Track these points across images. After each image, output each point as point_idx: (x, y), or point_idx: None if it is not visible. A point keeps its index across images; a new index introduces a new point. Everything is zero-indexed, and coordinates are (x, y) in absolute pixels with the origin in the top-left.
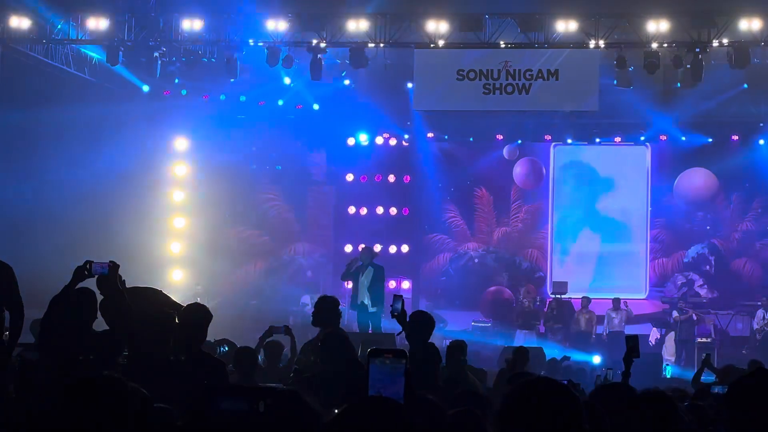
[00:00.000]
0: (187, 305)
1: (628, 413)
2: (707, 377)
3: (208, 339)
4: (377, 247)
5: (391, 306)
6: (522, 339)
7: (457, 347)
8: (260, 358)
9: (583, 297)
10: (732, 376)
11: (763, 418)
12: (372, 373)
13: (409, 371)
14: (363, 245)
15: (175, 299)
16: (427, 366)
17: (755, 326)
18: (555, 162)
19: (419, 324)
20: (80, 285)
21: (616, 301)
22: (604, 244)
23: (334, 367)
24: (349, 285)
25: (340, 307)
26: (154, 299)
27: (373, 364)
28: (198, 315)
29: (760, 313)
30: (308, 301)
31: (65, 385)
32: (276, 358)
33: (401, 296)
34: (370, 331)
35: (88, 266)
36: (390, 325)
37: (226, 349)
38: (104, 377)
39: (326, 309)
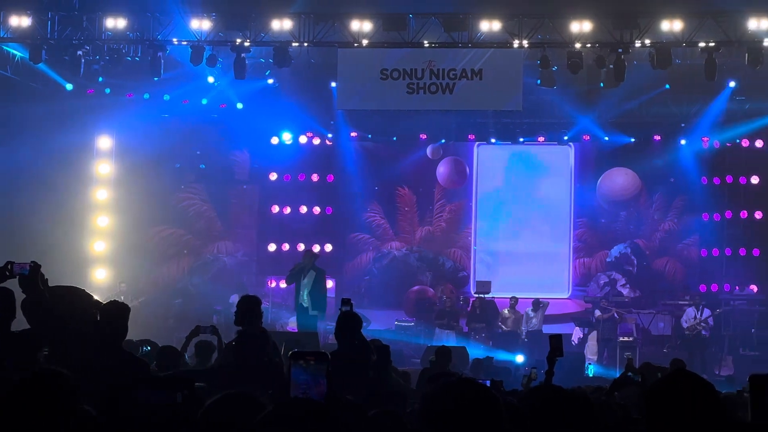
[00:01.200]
0: (106, 303)
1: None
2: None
3: (130, 338)
4: (300, 247)
5: (340, 309)
6: (443, 338)
7: (379, 347)
8: (187, 357)
9: (511, 297)
10: (649, 373)
11: (679, 420)
12: (294, 375)
13: (331, 373)
14: (304, 248)
15: (98, 298)
16: (356, 366)
17: (685, 324)
18: (478, 161)
19: (346, 324)
20: (1, 285)
21: (536, 302)
22: (528, 243)
23: (248, 366)
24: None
25: (262, 306)
26: (76, 298)
27: (295, 366)
28: (117, 313)
29: (690, 311)
30: (236, 301)
31: (14, 383)
32: (206, 357)
33: (349, 299)
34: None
35: (9, 267)
36: (332, 328)
37: (149, 348)
38: (52, 372)
39: (248, 309)
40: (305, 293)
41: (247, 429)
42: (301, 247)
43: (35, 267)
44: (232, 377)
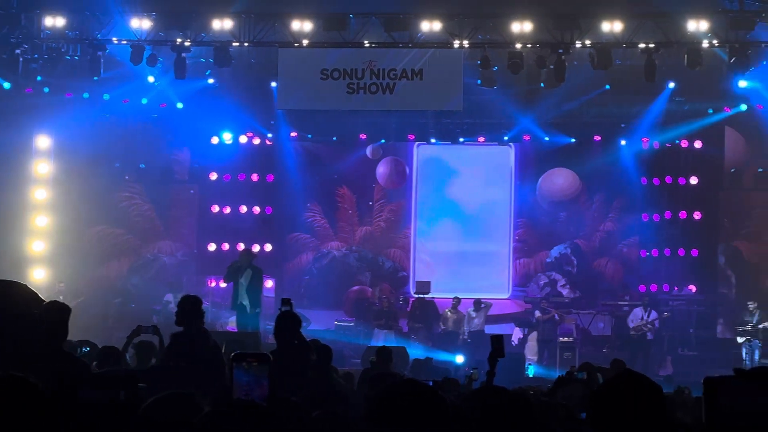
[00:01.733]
0: (47, 303)
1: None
2: None
3: (69, 339)
4: (240, 247)
5: (280, 309)
6: (382, 338)
7: (319, 348)
8: (128, 357)
9: (454, 297)
10: (590, 373)
11: (625, 422)
12: (236, 376)
13: (273, 374)
14: (243, 247)
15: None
16: (295, 366)
17: (631, 324)
18: (418, 161)
19: (285, 324)
20: None
21: (477, 302)
22: (468, 244)
23: (188, 366)
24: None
25: (203, 306)
26: (17, 295)
27: (237, 368)
28: (57, 313)
29: (638, 311)
30: (171, 300)
31: None
32: (147, 357)
33: (289, 299)
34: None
35: None
36: (271, 328)
37: (88, 349)
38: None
39: (189, 308)
40: (243, 292)
41: (188, 430)
42: (241, 246)
43: None
44: (172, 377)
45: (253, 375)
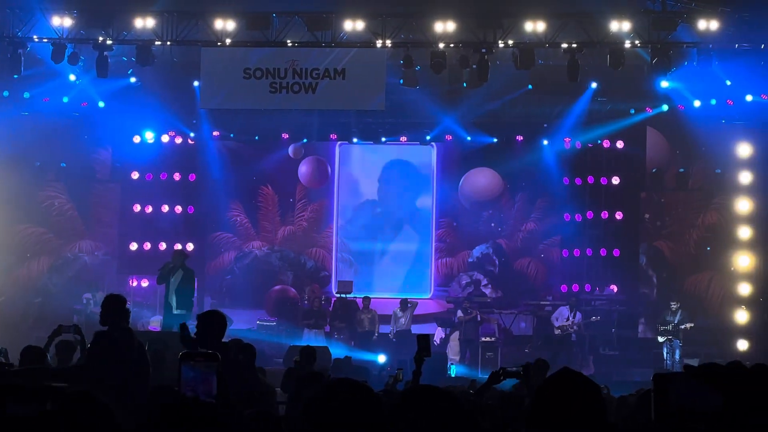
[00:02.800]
0: None
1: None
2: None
3: None
4: (162, 246)
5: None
6: (311, 338)
7: (240, 347)
8: (49, 357)
9: (364, 297)
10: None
11: (565, 420)
12: (184, 374)
13: (222, 373)
14: (167, 247)
15: None
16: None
17: (556, 323)
18: (340, 161)
19: (208, 325)
20: None
21: (404, 302)
22: (390, 243)
23: (102, 366)
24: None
25: (126, 305)
26: None
27: (185, 366)
28: None
29: (564, 311)
30: (90, 298)
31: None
32: (67, 357)
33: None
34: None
35: None
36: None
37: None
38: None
39: (113, 308)
40: (172, 292)
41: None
42: (163, 246)
43: None
44: (97, 376)
45: (200, 372)
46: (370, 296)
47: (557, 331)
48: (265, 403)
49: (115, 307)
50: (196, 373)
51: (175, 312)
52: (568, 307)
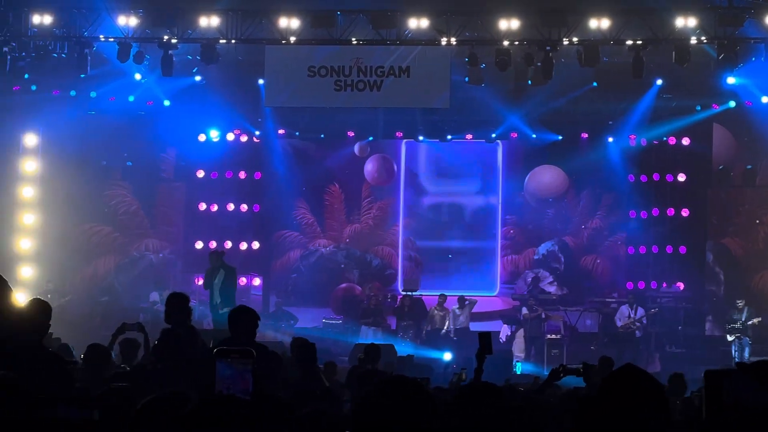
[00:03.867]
0: (29, 301)
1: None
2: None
3: (57, 337)
4: (227, 245)
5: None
6: (369, 336)
7: (303, 345)
8: (113, 355)
9: (440, 294)
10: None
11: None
12: (219, 371)
13: (257, 370)
14: (211, 249)
15: (24, 296)
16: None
17: (619, 323)
18: (406, 159)
19: (233, 322)
20: None
21: (461, 299)
22: (456, 241)
23: (170, 364)
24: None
25: (190, 303)
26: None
27: (221, 362)
28: (39, 310)
29: (624, 309)
30: (157, 299)
31: None
32: (131, 355)
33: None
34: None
35: None
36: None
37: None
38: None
39: (177, 306)
40: (216, 292)
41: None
42: (229, 244)
43: None
44: (160, 376)
45: (236, 369)
46: (446, 294)
47: (620, 330)
48: (324, 401)
49: (179, 305)
50: (232, 371)
51: (221, 312)
52: (627, 305)
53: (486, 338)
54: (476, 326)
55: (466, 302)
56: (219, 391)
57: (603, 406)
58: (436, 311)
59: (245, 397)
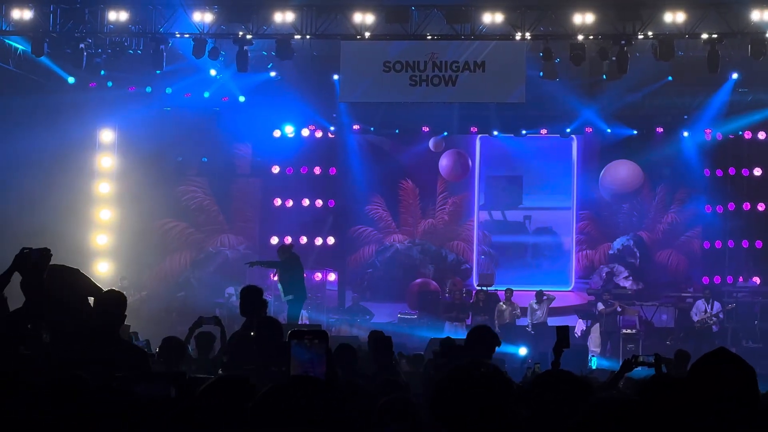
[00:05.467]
0: (104, 291)
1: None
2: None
3: (134, 331)
4: (303, 240)
5: None
6: (452, 331)
7: (378, 338)
8: (190, 349)
9: (506, 289)
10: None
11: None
12: (294, 353)
13: (330, 352)
14: (305, 240)
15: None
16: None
17: (695, 318)
18: (481, 154)
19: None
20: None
21: (539, 294)
22: (531, 236)
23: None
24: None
25: (264, 296)
26: (75, 281)
27: (295, 345)
28: (115, 301)
29: (700, 304)
30: (233, 292)
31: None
32: (207, 348)
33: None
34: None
35: (28, 252)
36: (308, 314)
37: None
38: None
39: (251, 298)
40: (280, 282)
41: (247, 408)
42: (304, 239)
43: (46, 254)
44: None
45: (314, 352)
46: (512, 289)
47: (697, 326)
48: (404, 391)
49: (251, 297)
50: (309, 354)
51: (284, 299)
52: (703, 300)
53: (564, 332)
54: (552, 321)
55: (544, 297)
56: (296, 374)
57: (694, 387)
58: (504, 306)
59: (320, 377)
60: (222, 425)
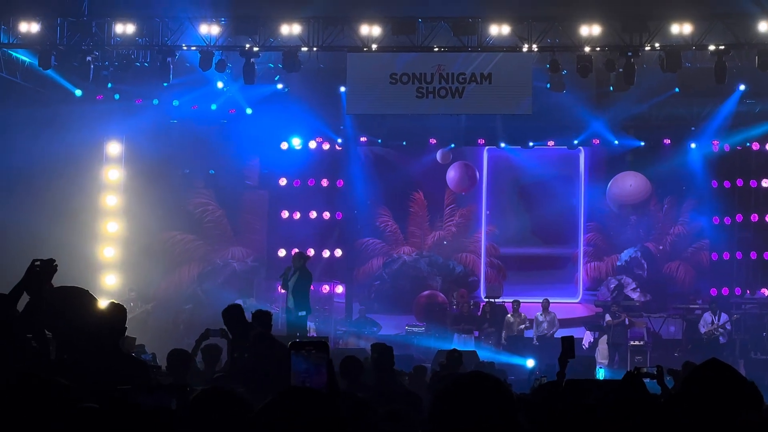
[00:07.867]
0: (107, 305)
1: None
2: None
3: (140, 343)
4: (310, 252)
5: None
6: (461, 343)
7: (378, 350)
8: (197, 361)
9: (513, 300)
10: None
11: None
12: (294, 365)
13: (332, 362)
14: (296, 250)
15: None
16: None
17: (702, 330)
18: (488, 166)
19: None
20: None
21: (545, 304)
22: (538, 248)
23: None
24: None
25: (272, 311)
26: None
27: (295, 356)
28: (114, 313)
29: (707, 316)
30: (242, 305)
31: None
32: (214, 361)
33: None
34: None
35: (38, 263)
36: (316, 326)
37: (150, 356)
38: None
39: (233, 319)
40: (290, 294)
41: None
42: (311, 252)
43: (50, 262)
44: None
45: (311, 363)
46: (519, 300)
47: (704, 338)
48: (405, 403)
49: (233, 318)
50: (308, 364)
51: (294, 314)
52: (710, 311)
53: (569, 342)
54: (559, 333)
55: (550, 308)
56: (294, 385)
57: (688, 398)
58: (512, 318)
59: (321, 389)
60: None
